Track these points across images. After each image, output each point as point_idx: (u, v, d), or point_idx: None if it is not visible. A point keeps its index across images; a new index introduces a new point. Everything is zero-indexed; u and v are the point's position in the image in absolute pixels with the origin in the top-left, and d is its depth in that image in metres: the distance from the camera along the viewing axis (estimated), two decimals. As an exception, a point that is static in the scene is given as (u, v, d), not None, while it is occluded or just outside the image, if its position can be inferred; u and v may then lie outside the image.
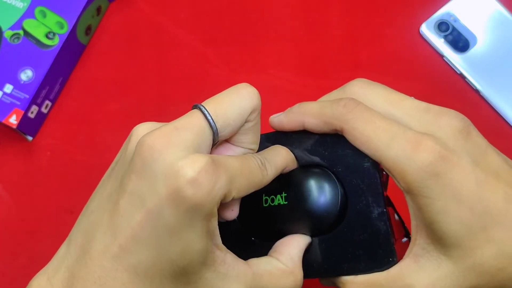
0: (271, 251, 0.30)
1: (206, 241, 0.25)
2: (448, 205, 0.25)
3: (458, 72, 0.54)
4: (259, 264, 0.28)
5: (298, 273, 0.28)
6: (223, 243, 0.27)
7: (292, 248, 0.29)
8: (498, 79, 0.53)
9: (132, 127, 0.55)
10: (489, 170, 0.27)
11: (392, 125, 0.27)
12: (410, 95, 0.54)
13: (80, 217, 0.29)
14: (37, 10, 0.53)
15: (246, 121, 0.28)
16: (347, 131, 0.28)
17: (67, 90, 0.55)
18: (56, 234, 0.50)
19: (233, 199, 0.26)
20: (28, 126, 0.52)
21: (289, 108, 0.32)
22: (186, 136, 0.25)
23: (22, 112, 0.50)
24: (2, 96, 0.51)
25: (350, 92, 0.30)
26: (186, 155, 0.24)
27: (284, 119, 0.32)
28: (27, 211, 0.51)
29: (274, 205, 0.28)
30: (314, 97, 0.54)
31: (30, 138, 0.53)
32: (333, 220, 0.28)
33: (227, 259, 0.27)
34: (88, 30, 0.55)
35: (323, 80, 0.55)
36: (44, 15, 0.53)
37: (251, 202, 0.27)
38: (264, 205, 0.29)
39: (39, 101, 0.52)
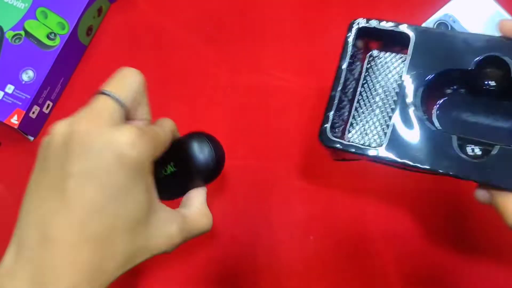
0: (182, 204, 0.37)
1: (149, 194, 0.31)
2: None
3: (457, 73, 0.54)
4: (182, 210, 0.35)
5: (209, 214, 0.36)
6: None
7: (196, 198, 0.37)
8: (496, 80, 0.54)
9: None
10: None
11: None
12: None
13: (20, 220, 0.31)
14: (38, 11, 0.53)
15: (139, 95, 0.33)
16: None
17: (68, 91, 0.55)
18: (58, 234, 0.51)
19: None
20: (30, 126, 0.52)
21: None
22: (107, 115, 0.30)
23: (24, 112, 0.50)
24: (3, 97, 0.51)
25: None
26: (117, 128, 0.30)
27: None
28: (29, 210, 0.51)
29: (168, 173, 0.36)
30: (314, 97, 0.54)
31: (31, 138, 0.53)
32: (212, 171, 0.37)
33: (163, 207, 0.33)
34: (89, 30, 0.55)
35: (323, 81, 0.55)
36: (46, 16, 0.53)
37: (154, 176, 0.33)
38: (163, 174, 0.36)
39: (40, 101, 0.52)
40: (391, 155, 0.36)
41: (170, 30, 0.57)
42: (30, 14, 0.53)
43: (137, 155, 0.29)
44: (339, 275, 0.49)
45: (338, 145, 0.37)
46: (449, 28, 0.55)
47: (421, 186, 0.51)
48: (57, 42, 0.52)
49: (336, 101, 0.39)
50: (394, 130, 0.36)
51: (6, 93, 0.51)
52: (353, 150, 0.37)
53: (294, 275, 0.49)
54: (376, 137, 0.39)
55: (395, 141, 0.36)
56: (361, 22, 0.40)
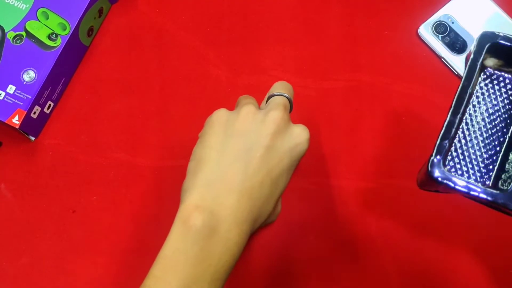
0: None
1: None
2: None
3: (456, 73, 0.54)
4: None
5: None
6: None
7: None
8: (495, 80, 0.54)
9: (134, 127, 0.56)
10: None
11: None
12: (408, 96, 0.55)
13: (204, 172, 0.39)
14: (39, 12, 0.53)
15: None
16: None
17: (69, 91, 0.55)
18: (59, 233, 0.51)
19: None
20: (31, 126, 0.52)
21: None
22: (287, 109, 0.42)
23: (25, 112, 0.51)
24: (5, 97, 0.51)
25: None
26: (297, 125, 0.41)
27: None
28: (30, 210, 0.51)
29: None
30: (314, 98, 0.55)
31: (32, 138, 0.54)
32: None
33: None
34: (90, 31, 0.56)
35: (323, 81, 0.55)
36: (47, 17, 0.53)
37: None
38: None
39: (41, 101, 0.52)
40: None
41: (170, 31, 0.57)
42: (31, 14, 0.53)
43: (304, 149, 0.41)
44: (339, 275, 0.49)
45: (455, 185, 0.33)
46: (448, 29, 0.55)
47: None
48: (58, 42, 0.52)
49: (454, 128, 0.34)
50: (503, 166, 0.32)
51: (7, 93, 0.51)
52: (476, 194, 0.32)
53: (294, 275, 0.49)
54: (475, 170, 0.35)
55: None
56: (496, 37, 0.34)
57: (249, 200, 0.38)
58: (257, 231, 0.41)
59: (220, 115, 0.41)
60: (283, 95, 0.43)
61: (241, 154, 0.38)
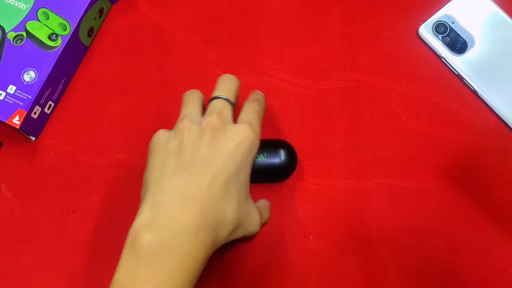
0: None
1: (248, 178, 0.41)
2: None
3: (456, 73, 0.54)
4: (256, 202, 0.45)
5: (268, 209, 0.47)
6: None
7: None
8: (496, 80, 0.54)
9: (134, 127, 0.56)
10: None
11: None
12: (408, 96, 0.55)
13: (155, 186, 0.40)
14: (40, 12, 0.53)
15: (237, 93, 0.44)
16: None
17: (69, 91, 0.55)
18: (59, 233, 0.51)
19: None
20: (31, 126, 0.52)
21: None
22: (230, 114, 0.42)
23: (25, 112, 0.51)
24: (5, 97, 0.51)
25: None
26: (235, 125, 0.41)
27: None
28: (30, 210, 0.52)
29: (258, 159, 0.47)
30: (313, 97, 0.55)
31: (33, 138, 0.54)
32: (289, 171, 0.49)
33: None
34: (90, 31, 0.56)
35: (322, 81, 0.55)
36: (47, 17, 0.53)
37: None
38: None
39: (42, 101, 0.52)
40: None
41: (170, 31, 0.57)
42: (32, 15, 0.53)
43: (247, 146, 0.40)
44: (339, 275, 0.49)
45: None
46: (448, 29, 0.55)
47: (421, 185, 0.51)
48: (58, 43, 0.52)
49: None
50: None
51: (8, 94, 0.51)
52: None
53: (294, 275, 0.49)
54: None
55: None
56: None
57: (199, 207, 0.37)
58: (237, 242, 0.40)
59: (158, 137, 0.42)
60: (220, 97, 0.43)
61: (182, 167, 0.39)
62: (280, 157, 0.48)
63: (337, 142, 0.53)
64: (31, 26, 0.53)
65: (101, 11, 0.56)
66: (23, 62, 0.52)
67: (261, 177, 0.49)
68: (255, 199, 0.51)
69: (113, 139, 0.54)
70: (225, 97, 0.43)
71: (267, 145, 0.48)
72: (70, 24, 0.53)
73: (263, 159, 0.47)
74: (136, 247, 0.36)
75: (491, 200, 0.51)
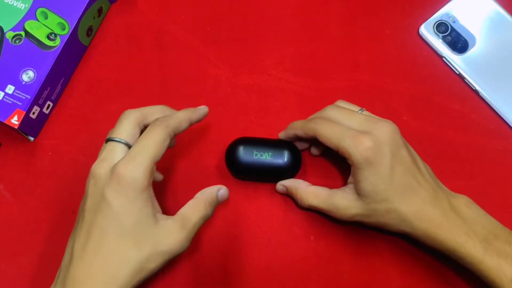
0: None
1: (146, 208, 0.39)
2: (369, 176, 0.43)
3: (457, 73, 0.54)
4: (180, 210, 0.42)
5: (206, 200, 0.43)
6: None
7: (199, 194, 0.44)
8: (496, 80, 0.54)
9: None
10: (399, 161, 0.43)
11: (342, 128, 0.44)
12: (409, 95, 0.55)
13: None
14: (38, 11, 0.53)
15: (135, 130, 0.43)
16: (318, 135, 0.46)
17: (68, 91, 0.55)
18: (58, 234, 0.51)
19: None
20: (30, 126, 0.52)
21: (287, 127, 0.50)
22: (114, 157, 0.41)
23: (24, 112, 0.50)
24: (3, 97, 0.51)
25: (324, 112, 0.47)
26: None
27: (284, 134, 0.51)
28: (29, 211, 0.51)
29: (262, 158, 0.49)
30: (314, 97, 0.54)
31: (31, 138, 0.53)
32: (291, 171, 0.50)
33: (163, 216, 0.40)
34: (89, 31, 0.55)
35: (323, 81, 0.55)
36: (46, 16, 0.53)
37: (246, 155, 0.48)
38: (254, 157, 0.48)
39: (40, 101, 0.52)
40: None
41: (170, 31, 0.57)
42: (30, 14, 0.53)
43: (130, 179, 0.38)
44: (339, 275, 0.49)
45: None
46: (449, 28, 0.55)
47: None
48: (57, 42, 0.52)
49: None
50: None
51: (6, 94, 0.51)
52: None
53: (294, 275, 0.49)
54: None
55: None
56: None
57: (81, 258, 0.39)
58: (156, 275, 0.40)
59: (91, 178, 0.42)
60: (110, 140, 0.42)
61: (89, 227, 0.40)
62: (284, 158, 0.48)
63: (337, 142, 0.53)
64: (30, 26, 0.53)
65: (100, 11, 0.56)
66: (21, 62, 0.52)
67: (265, 177, 0.50)
68: (257, 198, 0.51)
69: (112, 139, 0.53)
70: (114, 138, 0.41)
71: (272, 145, 0.49)
72: (69, 23, 0.53)
73: (268, 159, 0.48)
74: None
75: (492, 199, 0.51)
